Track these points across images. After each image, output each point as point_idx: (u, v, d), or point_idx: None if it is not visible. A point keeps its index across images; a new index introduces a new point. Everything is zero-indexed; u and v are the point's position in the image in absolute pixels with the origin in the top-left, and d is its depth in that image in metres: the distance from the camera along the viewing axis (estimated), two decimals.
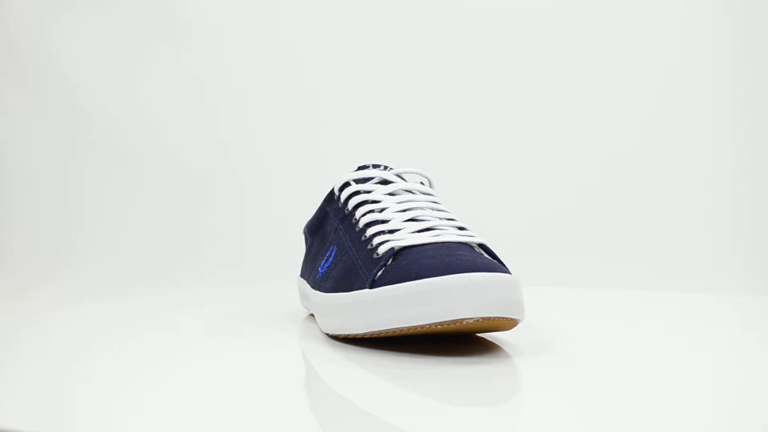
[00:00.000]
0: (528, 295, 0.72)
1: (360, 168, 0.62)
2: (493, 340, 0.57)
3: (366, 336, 0.53)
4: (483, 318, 0.49)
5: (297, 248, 0.75)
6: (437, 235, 0.54)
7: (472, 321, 0.49)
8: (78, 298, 0.84)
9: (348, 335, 0.55)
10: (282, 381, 0.48)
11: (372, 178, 0.60)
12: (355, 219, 0.58)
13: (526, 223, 1.05)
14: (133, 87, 1.16)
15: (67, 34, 1.16)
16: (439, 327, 0.49)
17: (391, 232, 0.55)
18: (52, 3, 1.16)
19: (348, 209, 0.59)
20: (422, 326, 0.49)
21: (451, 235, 0.54)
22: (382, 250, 0.54)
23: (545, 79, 1.13)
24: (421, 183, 0.61)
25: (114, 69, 1.16)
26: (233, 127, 1.16)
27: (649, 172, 1.07)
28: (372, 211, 0.58)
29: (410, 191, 0.59)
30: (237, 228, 1.10)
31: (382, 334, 0.52)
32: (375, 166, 0.61)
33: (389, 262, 0.53)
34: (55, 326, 0.68)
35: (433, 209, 0.57)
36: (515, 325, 0.52)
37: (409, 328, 0.50)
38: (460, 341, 0.55)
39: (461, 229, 0.56)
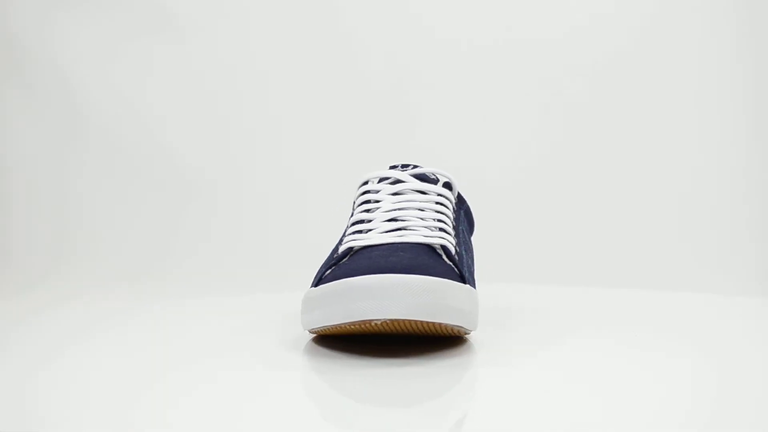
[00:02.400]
0: (526, 293, 0.72)
1: (391, 168, 0.62)
2: (473, 342, 0.57)
3: (315, 332, 0.54)
4: (390, 320, 0.48)
5: (295, 251, 0.75)
6: (401, 236, 0.54)
7: (379, 323, 0.49)
8: (74, 300, 0.84)
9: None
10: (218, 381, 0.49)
11: (388, 178, 0.60)
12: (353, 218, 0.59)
13: (528, 222, 1.05)
14: (134, 87, 1.16)
15: (67, 34, 1.16)
16: (353, 327, 0.50)
17: (369, 231, 0.56)
18: (52, 3, 1.16)
19: (354, 208, 0.60)
20: (338, 326, 0.50)
21: (416, 236, 0.54)
22: (341, 249, 0.55)
23: (551, 77, 1.12)
24: (447, 183, 0.61)
25: (114, 69, 1.16)
26: (235, 128, 1.15)
27: (650, 172, 1.07)
28: (368, 210, 0.58)
29: (421, 192, 0.59)
30: (237, 230, 1.09)
31: (322, 332, 0.53)
32: (404, 166, 0.61)
33: (341, 262, 0.54)
34: (49, 326, 0.68)
35: (434, 210, 0.57)
36: (454, 331, 0.51)
37: (333, 327, 0.51)
38: (436, 342, 0.55)
39: (441, 230, 0.56)
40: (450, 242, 0.55)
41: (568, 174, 1.09)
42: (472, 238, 0.68)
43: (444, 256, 0.54)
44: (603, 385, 0.47)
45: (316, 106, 1.15)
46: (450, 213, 0.59)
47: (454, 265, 0.54)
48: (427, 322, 0.49)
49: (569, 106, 1.11)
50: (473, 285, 0.57)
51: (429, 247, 0.54)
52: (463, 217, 0.64)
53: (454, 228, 0.59)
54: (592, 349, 0.57)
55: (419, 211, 0.57)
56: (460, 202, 0.64)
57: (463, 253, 0.58)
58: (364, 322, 0.49)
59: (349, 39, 1.15)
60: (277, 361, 0.53)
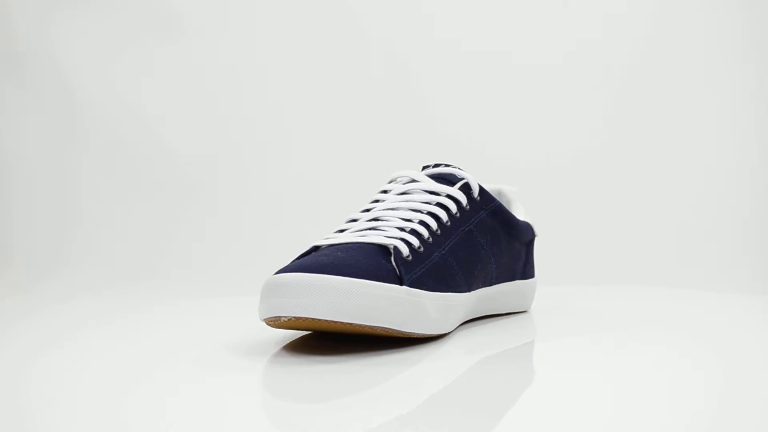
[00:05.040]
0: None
1: (424, 167, 0.62)
2: (460, 340, 0.57)
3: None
4: (295, 318, 0.49)
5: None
6: (363, 236, 0.54)
7: (287, 319, 0.49)
8: (74, 300, 0.84)
9: None
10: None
11: (407, 177, 0.60)
12: None
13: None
14: (133, 87, 1.16)
15: (67, 34, 1.16)
16: (271, 323, 0.51)
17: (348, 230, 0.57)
18: (52, 3, 1.16)
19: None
20: (265, 321, 0.51)
21: (377, 237, 0.54)
22: (309, 246, 0.55)
23: (559, 76, 1.12)
24: (465, 184, 0.60)
25: (114, 69, 1.16)
26: (236, 128, 1.16)
27: (650, 171, 1.07)
28: (367, 210, 0.59)
29: (431, 192, 0.58)
30: (237, 230, 1.09)
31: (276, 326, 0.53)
32: (435, 166, 0.61)
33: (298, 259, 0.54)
34: (48, 326, 0.68)
35: (428, 212, 0.57)
36: (377, 330, 0.50)
37: (265, 321, 0.51)
38: (413, 342, 0.55)
39: (412, 232, 0.55)
40: (407, 243, 0.54)
41: (566, 173, 1.09)
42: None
43: (392, 257, 0.53)
44: (600, 384, 0.47)
45: (317, 105, 1.15)
46: (446, 215, 0.57)
47: (398, 266, 0.52)
48: (335, 321, 0.48)
49: (571, 108, 1.11)
50: (435, 287, 0.54)
51: (381, 248, 0.53)
52: (486, 218, 0.61)
53: (441, 229, 0.57)
54: (588, 349, 0.57)
55: (411, 212, 0.56)
56: (484, 202, 0.61)
57: (438, 253, 0.55)
58: (275, 318, 0.50)
59: (349, 38, 1.15)
60: (260, 361, 0.53)
